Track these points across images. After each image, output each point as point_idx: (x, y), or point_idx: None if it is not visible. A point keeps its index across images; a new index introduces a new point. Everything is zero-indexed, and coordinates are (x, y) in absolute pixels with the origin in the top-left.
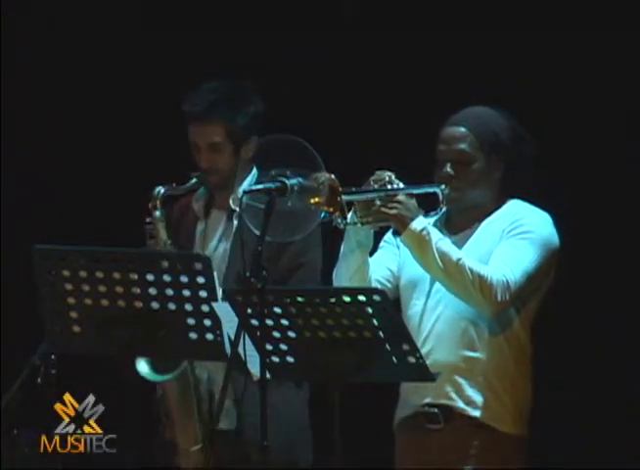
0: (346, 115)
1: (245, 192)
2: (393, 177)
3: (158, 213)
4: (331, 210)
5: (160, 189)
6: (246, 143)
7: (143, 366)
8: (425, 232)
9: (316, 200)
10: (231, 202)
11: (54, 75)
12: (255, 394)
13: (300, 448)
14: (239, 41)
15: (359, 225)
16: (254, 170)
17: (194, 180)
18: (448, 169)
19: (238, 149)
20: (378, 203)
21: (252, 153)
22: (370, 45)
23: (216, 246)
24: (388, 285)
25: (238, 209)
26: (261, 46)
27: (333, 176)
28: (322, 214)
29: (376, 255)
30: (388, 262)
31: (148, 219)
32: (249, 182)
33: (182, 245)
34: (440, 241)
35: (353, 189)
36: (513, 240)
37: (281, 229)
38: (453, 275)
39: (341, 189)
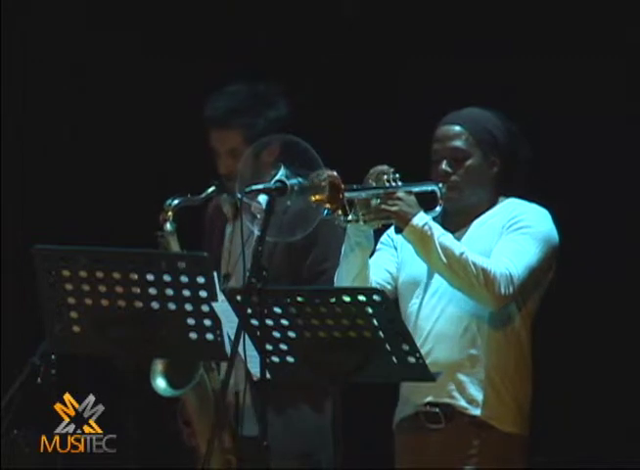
0: (346, 115)
1: (245, 192)
2: (391, 173)
3: (169, 226)
4: (333, 207)
5: (172, 201)
6: (267, 147)
7: (160, 382)
8: (427, 227)
9: (317, 197)
10: (252, 208)
11: (57, 75)
12: (275, 401)
13: (319, 454)
14: (238, 41)
15: (361, 223)
16: (282, 171)
17: (212, 188)
18: (444, 167)
19: (258, 154)
20: (377, 200)
21: (276, 156)
22: (370, 45)
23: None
24: (388, 287)
25: (259, 215)
26: (261, 46)
27: (335, 173)
28: (324, 212)
29: (374, 257)
30: (387, 264)
31: (159, 233)
32: None
33: (213, 244)
34: (442, 236)
35: (354, 187)
36: (513, 235)
37: (281, 229)
38: (456, 269)
39: (343, 186)
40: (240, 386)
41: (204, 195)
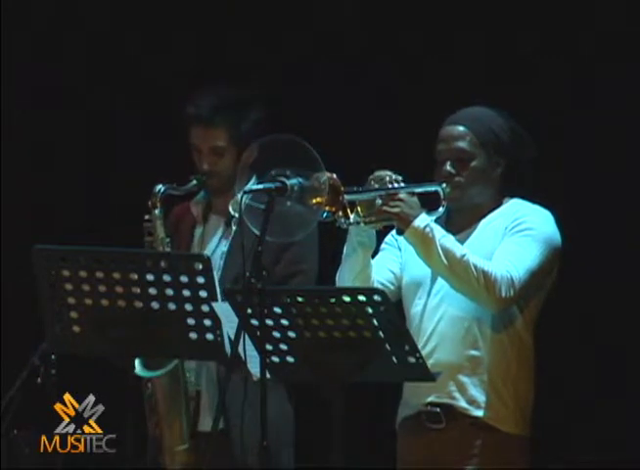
0: (346, 115)
1: (245, 192)
2: (393, 176)
3: (157, 211)
4: (333, 209)
5: (161, 187)
6: (248, 148)
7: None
8: (428, 229)
9: (318, 200)
10: (230, 207)
11: (54, 75)
12: (239, 394)
13: (285, 448)
14: (238, 41)
15: (362, 225)
16: (253, 180)
17: (194, 182)
18: (448, 168)
19: (240, 154)
20: (379, 202)
21: (253, 158)
22: (370, 45)
23: (214, 250)
24: (391, 287)
25: (237, 214)
26: (261, 46)
27: (334, 176)
28: (324, 214)
29: (377, 257)
30: (390, 264)
31: (146, 217)
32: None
33: (179, 248)
34: (444, 238)
35: (355, 188)
36: (515, 237)
37: (281, 229)
38: (457, 272)
39: (342, 188)
40: (201, 384)
41: (186, 187)
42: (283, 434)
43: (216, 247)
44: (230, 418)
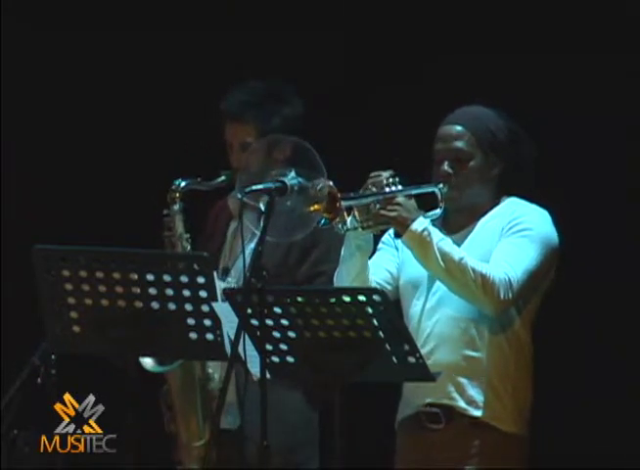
0: (346, 114)
1: (245, 192)
2: (390, 179)
3: (176, 207)
4: (330, 216)
5: (181, 182)
6: (279, 145)
7: (146, 358)
8: (426, 232)
9: (315, 207)
10: (261, 203)
11: (56, 72)
12: (257, 392)
13: (304, 450)
14: (238, 41)
15: (360, 230)
16: (292, 174)
17: (222, 178)
18: (446, 168)
19: (270, 150)
20: (377, 206)
21: (287, 154)
22: (369, 45)
23: (246, 245)
24: (388, 287)
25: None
26: (261, 46)
27: (331, 183)
28: (322, 221)
29: (374, 257)
30: (387, 264)
31: (165, 212)
32: None
33: (215, 244)
34: (442, 241)
35: (352, 194)
36: (513, 238)
37: (281, 229)
38: (455, 275)
39: (339, 195)
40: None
41: (213, 182)
42: (300, 436)
43: (248, 243)
44: (248, 416)
